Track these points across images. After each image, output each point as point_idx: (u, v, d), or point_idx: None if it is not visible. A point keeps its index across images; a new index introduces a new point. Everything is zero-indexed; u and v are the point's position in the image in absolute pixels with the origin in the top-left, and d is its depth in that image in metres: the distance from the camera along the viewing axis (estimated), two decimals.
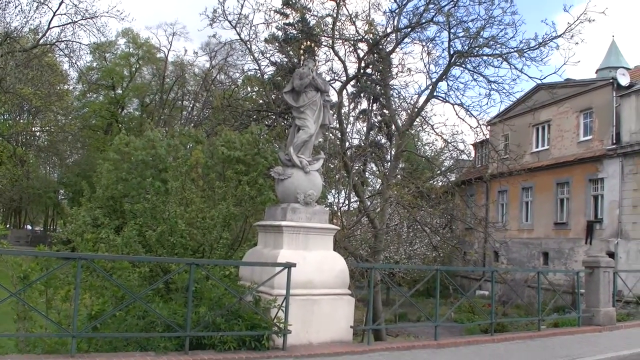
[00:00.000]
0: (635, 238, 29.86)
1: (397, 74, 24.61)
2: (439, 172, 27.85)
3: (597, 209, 33.17)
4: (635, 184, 30.16)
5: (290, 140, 11.46)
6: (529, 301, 21.28)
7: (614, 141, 31.62)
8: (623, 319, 16.91)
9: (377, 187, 30.48)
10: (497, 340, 12.22)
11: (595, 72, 40.38)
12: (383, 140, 38.71)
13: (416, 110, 22.14)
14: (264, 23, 24.27)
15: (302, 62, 19.29)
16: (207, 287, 10.05)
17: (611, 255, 29.49)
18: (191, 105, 60.03)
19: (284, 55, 27.01)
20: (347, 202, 24.24)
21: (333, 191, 23.94)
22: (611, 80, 32.64)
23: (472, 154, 42.60)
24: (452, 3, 20.48)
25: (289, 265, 9.53)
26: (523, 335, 13.02)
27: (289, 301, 9.48)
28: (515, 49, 19.95)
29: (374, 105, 37.24)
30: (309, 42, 24.40)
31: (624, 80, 32.28)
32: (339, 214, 23.05)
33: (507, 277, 28.42)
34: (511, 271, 31.71)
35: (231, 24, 22.50)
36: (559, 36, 19.47)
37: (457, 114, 21.85)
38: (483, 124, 22.32)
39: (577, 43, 19.68)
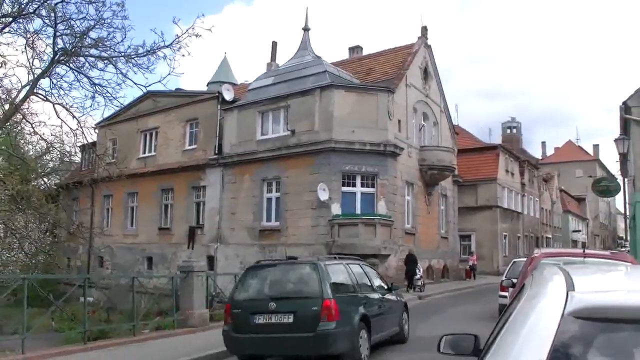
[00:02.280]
0: (232, 243, 31.89)
1: None
2: (38, 174, 26.26)
3: (199, 215, 34.66)
4: (234, 192, 32.27)
5: None
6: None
7: (217, 152, 33.40)
8: (221, 319, 17.65)
9: None
10: (90, 348, 11.87)
11: (207, 85, 42.41)
12: None
13: (14, 106, 20.50)
14: None
15: None
16: None
17: (211, 258, 31.09)
18: None
19: None
20: None
21: None
22: (217, 94, 34.48)
23: (79, 157, 41.29)
24: None
25: None
26: (117, 342, 12.88)
27: None
28: (123, 54, 19.71)
29: None
30: None
31: (228, 95, 34.26)
32: None
33: (112, 283, 28.00)
34: (112, 277, 31.36)
35: None
36: (167, 46, 19.75)
37: (57, 115, 20.77)
38: (86, 127, 21.49)
39: (184, 55, 20.25)
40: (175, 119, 36.46)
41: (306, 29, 34.37)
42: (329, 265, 11.01)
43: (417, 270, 28.01)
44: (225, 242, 32.35)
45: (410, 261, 28.18)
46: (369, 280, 12.48)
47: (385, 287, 13.20)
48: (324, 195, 28.07)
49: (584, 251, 9.56)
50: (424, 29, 35.90)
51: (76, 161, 40.48)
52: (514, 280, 12.91)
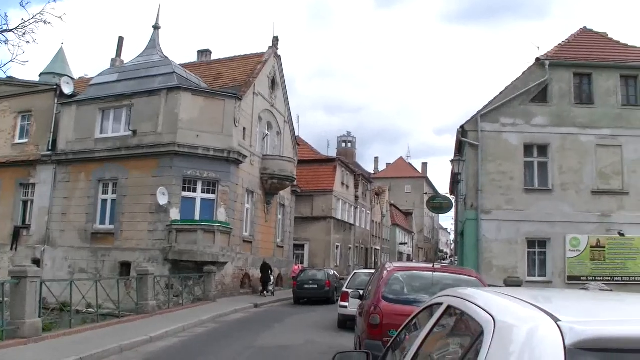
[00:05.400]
0: (62, 245, 30.17)
1: None
2: None
3: (25, 215, 32.51)
4: (67, 192, 30.59)
5: None
6: None
7: (50, 148, 31.54)
8: (49, 329, 16.58)
9: None
10: None
11: (39, 76, 39.93)
12: None
13: None
14: None
15: None
16: None
17: (37, 262, 29.23)
18: None
19: None
20: None
21: None
22: (55, 87, 32.57)
23: None
24: None
25: None
26: None
27: None
28: None
29: None
30: None
31: (67, 88, 32.47)
32: None
33: None
34: None
35: None
36: (10, 30, 18.41)
37: None
38: None
39: (28, 42, 18.94)
40: (6, 109, 33.89)
41: (156, 27, 33.40)
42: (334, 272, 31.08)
43: (271, 277, 30.71)
44: (54, 245, 30.54)
45: (265, 269, 30.24)
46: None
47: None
48: (163, 200, 27.38)
49: (433, 266, 9.94)
50: (275, 39, 36.18)
51: None
52: (361, 292, 13.16)
